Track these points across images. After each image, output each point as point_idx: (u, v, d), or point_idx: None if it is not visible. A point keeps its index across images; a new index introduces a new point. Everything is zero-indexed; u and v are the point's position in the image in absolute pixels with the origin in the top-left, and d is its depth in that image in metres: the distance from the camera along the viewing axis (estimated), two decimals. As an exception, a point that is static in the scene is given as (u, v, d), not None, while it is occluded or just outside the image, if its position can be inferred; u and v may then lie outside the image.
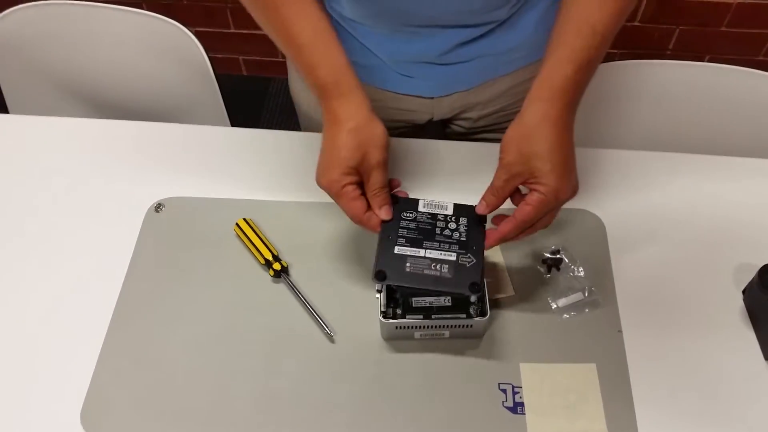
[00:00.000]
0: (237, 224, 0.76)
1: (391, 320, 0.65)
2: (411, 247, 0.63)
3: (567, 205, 0.78)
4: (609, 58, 0.93)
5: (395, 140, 0.85)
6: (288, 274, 0.73)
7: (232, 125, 1.04)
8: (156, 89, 1.04)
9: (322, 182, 0.62)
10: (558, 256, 0.74)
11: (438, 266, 0.62)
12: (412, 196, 0.67)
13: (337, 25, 0.79)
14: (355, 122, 0.61)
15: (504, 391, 0.66)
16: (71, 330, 0.71)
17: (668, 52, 1.85)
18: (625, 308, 0.71)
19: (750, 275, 0.70)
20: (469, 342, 0.69)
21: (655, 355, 0.68)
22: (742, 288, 0.72)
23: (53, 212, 0.80)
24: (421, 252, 0.63)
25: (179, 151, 0.85)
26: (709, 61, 0.92)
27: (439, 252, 0.63)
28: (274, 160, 0.84)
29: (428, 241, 0.63)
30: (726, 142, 0.94)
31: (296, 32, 0.62)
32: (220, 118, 1.03)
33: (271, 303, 0.72)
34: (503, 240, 0.61)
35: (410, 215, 0.65)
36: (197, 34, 0.97)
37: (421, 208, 0.66)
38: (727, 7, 1.69)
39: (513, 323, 0.70)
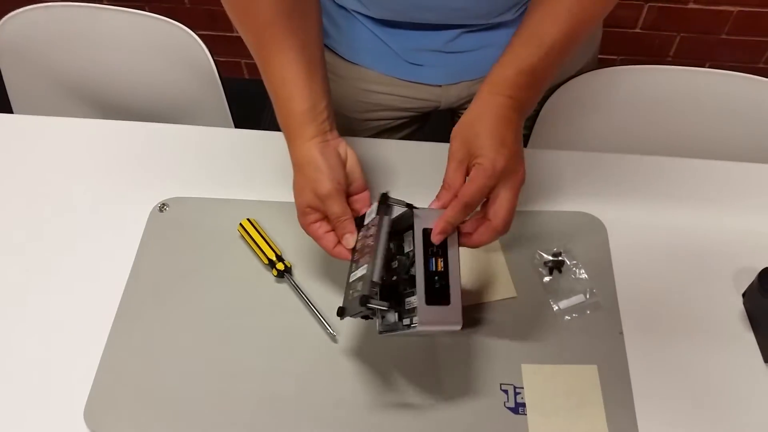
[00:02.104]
0: (241, 224, 0.76)
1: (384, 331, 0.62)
2: (354, 269, 0.61)
3: (568, 208, 0.79)
4: (609, 63, 0.94)
5: (383, 142, 0.85)
6: (291, 274, 0.74)
7: (236, 127, 1.05)
8: (161, 91, 1.05)
9: (300, 224, 0.66)
10: (560, 258, 0.75)
11: (358, 285, 0.57)
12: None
13: (346, 15, 0.81)
14: (300, 162, 0.64)
15: (506, 391, 0.66)
16: (75, 328, 0.71)
17: (669, 59, 1.86)
18: (626, 310, 0.71)
19: (750, 279, 0.71)
20: (471, 343, 0.69)
21: (656, 357, 0.68)
22: (743, 291, 0.72)
23: (57, 212, 0.80)
24: (357, 273, 0.59)
25: (184, 151, 0.86)
26: (709, 68, 0.92)
27: (362, 268, 0.58)
28: (279, 161, 0.83)
29: (361, 257, 0.59)
30: (726, 147, 0.95)
31: (267, 76, 0.66)
32: (224, 119, 1.03)
33: (274, 303, 0.72)
34: (450, 224, 0.57)
35: (361, 233, 0.63)
36: (199, 38, 0.97)
37: (366, 221, 0.63)
38: (727, 15, 1.70)
39: (515, 324, 0.70)
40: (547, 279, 0.74)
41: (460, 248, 0.59)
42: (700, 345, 0.69)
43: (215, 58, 0.98)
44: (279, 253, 0.74)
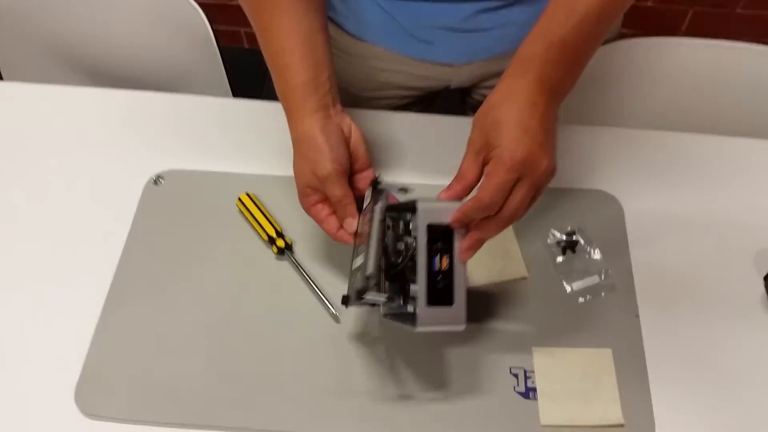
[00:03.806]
0: (239, 199, 0.73)
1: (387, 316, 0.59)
2: (355, 256, 0.57)
3: (583, 185, 0.76)
4: (620, 36, 0.89)
5: (389, 115, 0.82)
6: (292, 252, 0.71)
7: (234, 95, 1.01)
8: (156, 59, 1.01)
9: (301, 205, 0.63)
10: (573, 237, 0.72)
11: (358, 274, 0.54)
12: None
13: None
14: (299, 139, 0.61)
15: (516, 375, 0.64)
16: (65, 308, 0.68)
17: (681, 35, 1.81)
18: (642, 292, 0.69)
19: (773, 260, 0.68)
20: (480, 326, 0.66)
21: (673, 340, 0.66)
22: (764, 274, 0.69)
23: (46, 184, 0.77)
24: (357, 261, 0.56)
25: (180, 122, 0.82)
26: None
27: (360, 256, 0.55)
28: (279, 133, 0.79)
29: (360, 244, 0.57)
30: (748, 123, 0.91)
31: (265, 46, 0.62)
32: (221, 89, 0.99)
33: (275, 281, 0.69)
34: (468, 218, 0.53)
35: (363, 217, 0.59)
36: (198, 5, 0.93)
37: (364, 204, 0.59)
38: (743, -12, 1.64)
39: (526, 306, 0.68)
40: (560, 259, 0.71)
41: None
42: (718, 329, 0.67)
43: (214, 27, 0.94)
44: (279, 230, 0.71)
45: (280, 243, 0.70)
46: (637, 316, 0.67)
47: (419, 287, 0.52)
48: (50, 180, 0.77)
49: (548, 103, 0.54)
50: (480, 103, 0.91)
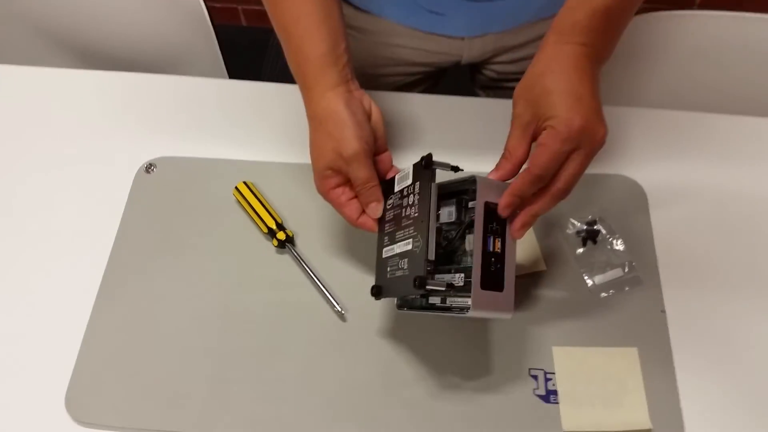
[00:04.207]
0: (236, 188, 0.69)
1: (406, 310, 0.57)
2: (390, 243, 0.54)
3: (604, 170, 0.71)
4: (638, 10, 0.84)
5: (401, 95, 0.77)
6: (293, 245, 0.66)
7: (231, 77, 0.96)
8: (146, 37, 0.95)
9: (317, 189, 0.58)
10: (594, 227, 0.67)
11: (402, 262, 0.51)
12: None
13: None
14: (320, 116, 0.56)
15: (535, 377, 0.60)
16: (53, 306, 0.64)
17: (694, 8, 1.74)
18: (669, 286, 0.64)
19: (810, 251, 0.63)
20: (495, 324, 0.62)
21: (703, 337, 0.62)
22: (800, 264, 0.65)
23: (31, 173, 0.72)
24: (394, 248, 0.53)
25: (172, 105, 0.77)
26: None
27: (403, 242, 0.52)
28: (279, 116, 0.76)
29: (398, 229, 0.53)
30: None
31: (277, 16, 0.58)
32: (217, 70, 0.94)
33: (275, 276, 0.65)
34: (519, 197, 0.50)
35: (390, 200, 0.56)
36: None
37: (396, 187, 0.56)
38: (762, -43, 1.57)
39: (544, 302, 0.64)
40: (580, 251, 0.67)
41: None
42: (753, 324, 0.63)
43: (209, 4, 0.89)
44: (280, 221, 0.67)
45: (281, 235, 0.65)
46: (664, 311, 0.63)
47: (474, 268, 0.49)
48: (33, 169, 0.73)
49: (594, 70, 0.51)
50: (492, 79, 0.89)
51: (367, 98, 0.59)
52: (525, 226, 0.52)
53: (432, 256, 0.49)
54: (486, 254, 0.50)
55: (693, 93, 0.90)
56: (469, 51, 0.79)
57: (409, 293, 0.53)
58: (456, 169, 0.52)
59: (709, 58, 0.87)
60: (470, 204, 0.52)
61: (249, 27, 1.86)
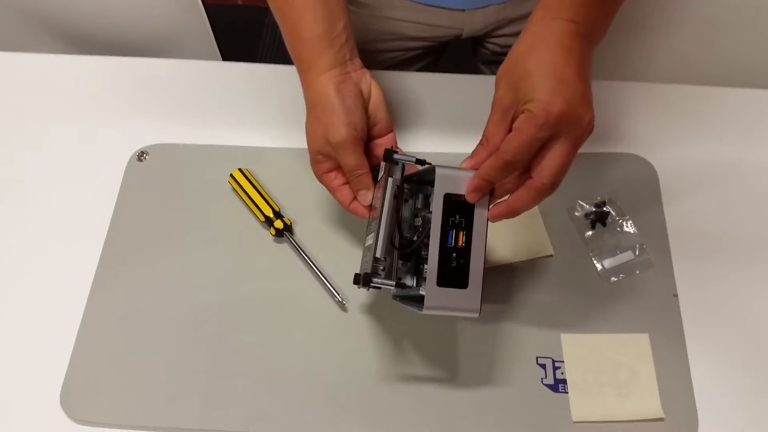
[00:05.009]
0: (232, 175, 0.67)
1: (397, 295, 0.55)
2: (368, 233, 0.52)
3: (613, 149, 0.69)
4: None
5: (401, 74, 0.74)
6: (292, 233, 0.64)
7: (224, 60, 0.93)
8: (135, 18, 0.93)
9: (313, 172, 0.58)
10: (604, 209, 0.65)
11: (367, 255, 0.50)
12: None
13: None
14: (312, 100, 0.55)
15: (543, 366, 0.58)
16: (45, 300, 0.62)
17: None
18: (681, 269, 0.62)
19: (830, 230, 0.61)
20: (501, 311, 0.60)
21: (717, 322, 0.60)
22: (817, 244, 0.63)
23: (19, 162, 0.70)
24: (368, 239, 0.51)
25: (164, 90, 0.75)
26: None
27: (370, 235, 0.51)
28: (274, 100, 0.73)
29: (372, 221, 0.52)
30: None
31: None
32: (210, 51, 0.92)
33: (273, 267, 0.63)
34: (487, 181, 0.47)
35: (377, 190, 0.54)
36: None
37: (378, 177, 0.54)
38: None
39: (552, 288, 0.62)
40: (588, 233, 0.64)
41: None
42: (767, 310, 0.60)
43: (199, -19, 0.86)
44: (277, 209, 0.64)
45: (279, 224, 0.63)
46: (676, 295, 0.61)
47: (429, 264, 0.47)
48: (24, 157, 0.70)
49: (583, 49, 0.48)
50: (494, 53, 0.86)
51: (366, 79, 0.57)
52: (499, 216, 0.49)
53: (379, 254, 0.48)
54: (444, 249, 0.47)
55: (707, 65, 0.87)
56: (470, 24, 0.76)
57: (362, 287, 0.51)
58: (422, 162, 0.50)
59: (724, 28, 0.83)
60: (429, 191, 0.51)
61: (243, 5, 1.82)
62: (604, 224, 0.64)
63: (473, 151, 0.49)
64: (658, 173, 0.67)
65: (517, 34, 0.77)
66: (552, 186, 0.47)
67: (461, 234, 0.48)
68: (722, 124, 0.71)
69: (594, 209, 0.65)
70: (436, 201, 0.48)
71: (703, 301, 0.61)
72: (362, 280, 0.48)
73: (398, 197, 0.51)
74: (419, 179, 0.54)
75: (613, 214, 0.65)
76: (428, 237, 0.49)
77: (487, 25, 0.77)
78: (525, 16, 0.75)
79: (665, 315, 0.60)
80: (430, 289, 0.47)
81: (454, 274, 0.48)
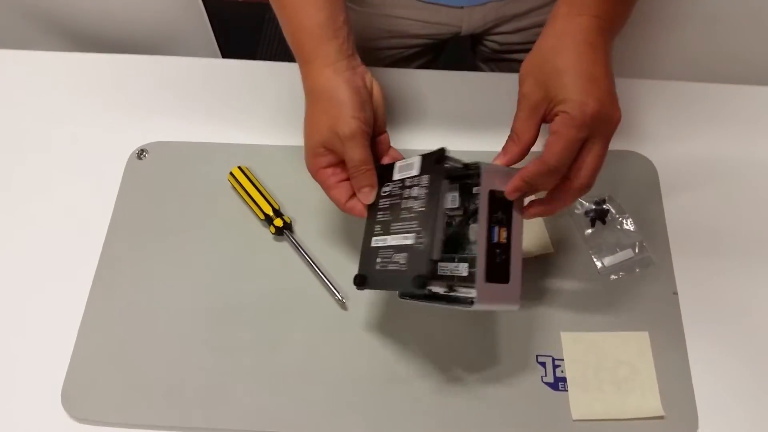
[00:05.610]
0: (231, 173, 0.66)
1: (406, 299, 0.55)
2: (383, 234, 0.51)
3: (613, 146, 0.67)
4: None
5: (400, 71, 0.74)
6: (292, 231, 0.64)
7: (224, 57, 0.93)
8: (134, 16, 0.92)
9: (307, 167, 0.56)
10: (604, 206, 0.65)
11: (398, 256, 0.49)
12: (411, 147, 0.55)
13: None
14: (317, 92, 0.53)
15: (543, 364, 0.58)
16: (45, 299, 0.62)
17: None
18: (681, 267, 0.62)
19: (830, 228, 0.60)
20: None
21: (717, 320, 0.60)
22: (818, 242, 0.62)
23: (18, 161, 0.70)
24: (388, 239, 0.51)
25: (163, 87, 0.75)
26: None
27: (401, 235, 0.50)
28: (274, 97, 0.73)
29: (395, 221, 0.51)
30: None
31: None
32: (209, 48, 0.91)
33: (273, 265, 0.63)
34: (529, 184, 0.48)
35: (387, 188, 0.53)
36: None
37: (395, 175, 0.53)
38: None
39: (552, 286, 0.61)
40: (588, 232, 0.64)
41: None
42: (767, 308, 0.60)
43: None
44: (277, 207, 0.64)
45: (278, 222, 0.63)
46: (676, 293, 0.61)
47: (479, 261, 0.47)
48: (23, 156, 0.70)
49: (606, 45, 0.48)
50: (493, 51, 0.86)
51: (368, 76, 0.56)
52: (537, 216, 0.51)
53: (437, 256, 0.48)
54: (491, 245, 0.48)
55: (708, 62, 0.86)
56: (469, 21, 0.76)
57: (404, 290, 0.50)
58: (468, 166, 0.50)
59: (725, 25, 0.83)
60: (474, 190, 0.50)
61: (243, 2, 1.81)
62: (603, 222, 0.64)
63: (504, 148, 0.50)
64: (658, 170, 0.67)
65: (516, 31, 0.78)
66: (588, 186, 0.48)
67: (502, 230, 0.49)
68: (722, 121, 0.70)
69: (594, 207, 0.65)
70: (482, 198, 0.48)
71: (703, 298, 0.61)
72: (418, 282, 0.47)
73: (440, 198, 0.50)
74: (460, 175, 0.52)
75: (613, 211, 0.65)
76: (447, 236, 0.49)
77: (485, 22, 0.77)
78: (524, 13, 0.76)
79: (665, 313, 0.60)
80: (480, 286, 0.47)
81: (498, 270, 0.48)
